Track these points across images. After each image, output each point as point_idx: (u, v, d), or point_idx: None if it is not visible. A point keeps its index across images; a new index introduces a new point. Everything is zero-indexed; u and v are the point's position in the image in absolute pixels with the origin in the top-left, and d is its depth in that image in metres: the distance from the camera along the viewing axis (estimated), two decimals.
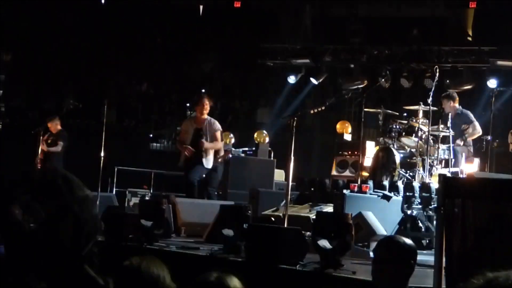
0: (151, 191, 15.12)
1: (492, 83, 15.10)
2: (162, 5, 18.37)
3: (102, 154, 12.01)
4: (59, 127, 14.76)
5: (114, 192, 14.12)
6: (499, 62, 15.43)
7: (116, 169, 15.21)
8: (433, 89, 11.89)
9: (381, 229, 9.69)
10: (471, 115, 12.62)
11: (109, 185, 14.77)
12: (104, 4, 18.53)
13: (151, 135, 19.01)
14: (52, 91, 19.37)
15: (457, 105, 12.62)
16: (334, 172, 14.16)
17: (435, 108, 12.10)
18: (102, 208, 10.49)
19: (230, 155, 13.30)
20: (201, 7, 18.17)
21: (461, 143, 12.21)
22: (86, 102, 15.72)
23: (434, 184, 10.40)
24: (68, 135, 14.64)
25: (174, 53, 18.76)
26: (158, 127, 19.61)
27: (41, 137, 14.54)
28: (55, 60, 19.14)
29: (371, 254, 8.71)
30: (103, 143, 11.96)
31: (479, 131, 12.48)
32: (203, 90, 17.61)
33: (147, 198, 13.16)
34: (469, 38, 16.70)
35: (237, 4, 17.72)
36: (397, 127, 12.40)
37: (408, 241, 4.95)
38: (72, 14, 18.58)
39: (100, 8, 18.53)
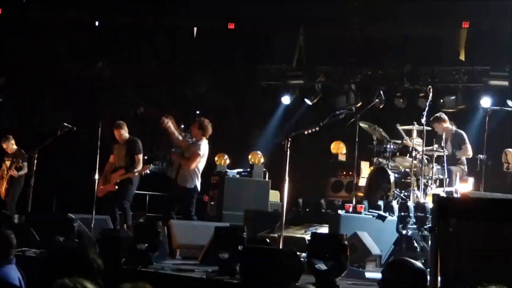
0: (146, 213, 15.08)
1: (485, 102, 15.14)
2: (156, 27, 18.41)
3: (96, 177, 12.01)
4: (14, 146, 14.86)
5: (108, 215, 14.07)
6: (492, 82, 15.49)
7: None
8: (427, 109, 11.93)
9: (376, 250, 9.69)
10: (465, 136, 12.67)
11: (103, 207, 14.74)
12: (98, 26, 18.57)
13: (145, 157, 18.97)
14: (46, 114, 19.34)
15: (449, 125, 12.66)
16: (329, 193, 14.17)
17: (429, 128, 12.13)
18: (96, 231, 10.49)
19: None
20: (195, 29, 18.23)
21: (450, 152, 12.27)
22: (81, 124, 15.69)
23: (429, 204, 10.42)
24: (25, 153, 14.71)
25: (169, 74, 18.77)
26: (153, 149, 19.58)
27: (3, 163, 14.67)
28: (49, 82, 19.13)
29: (367, 274, 8.73)
30: (97, 166, 11.95)
31: (469, 153, 12.57)
32: (198, 112, 17.63)
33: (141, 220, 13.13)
34: (462, 58, 16.76)
35: (231, 26, 17.79)
36: (392, 147, 12.44)
37: (419, 264, 4.94)
38: (65, 36, 18.60)
39: (94, 30, 18.56)
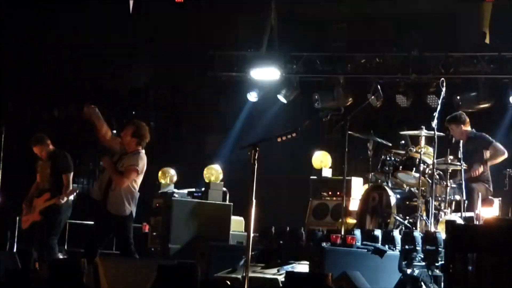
0: (66, 247, 15.01)
1: None
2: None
3: None
4: None
5: (15, 250, 14.00)
6: None
7: (18, 219, 15.08)
8: (438, 109, 11.99)
9: None
10: (488, 137, 12.73)
11: (8, 240, 14.65)
12: None
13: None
14: None
15: (468, 128, 12.74)
16: (310, 220, 14.19)
17: (441, 134, 12.20)
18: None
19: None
20: (131, 2, 18.18)
21: (480, 169, 12.34)
22: None
23: (442, 234, 10.47)
24: None
25: (95, 64, 18.70)
26: (75, 162, 19.51)
27: None
28: None
29: None
30: None
31: (502, 152, 12.61)
32: (134, 112, 17.60)
33: (60, 257, 13.09)
34: (486, 41, 16.89)
35: None
36: (392, 159, 12.49)
37: None
38: None
39: None
